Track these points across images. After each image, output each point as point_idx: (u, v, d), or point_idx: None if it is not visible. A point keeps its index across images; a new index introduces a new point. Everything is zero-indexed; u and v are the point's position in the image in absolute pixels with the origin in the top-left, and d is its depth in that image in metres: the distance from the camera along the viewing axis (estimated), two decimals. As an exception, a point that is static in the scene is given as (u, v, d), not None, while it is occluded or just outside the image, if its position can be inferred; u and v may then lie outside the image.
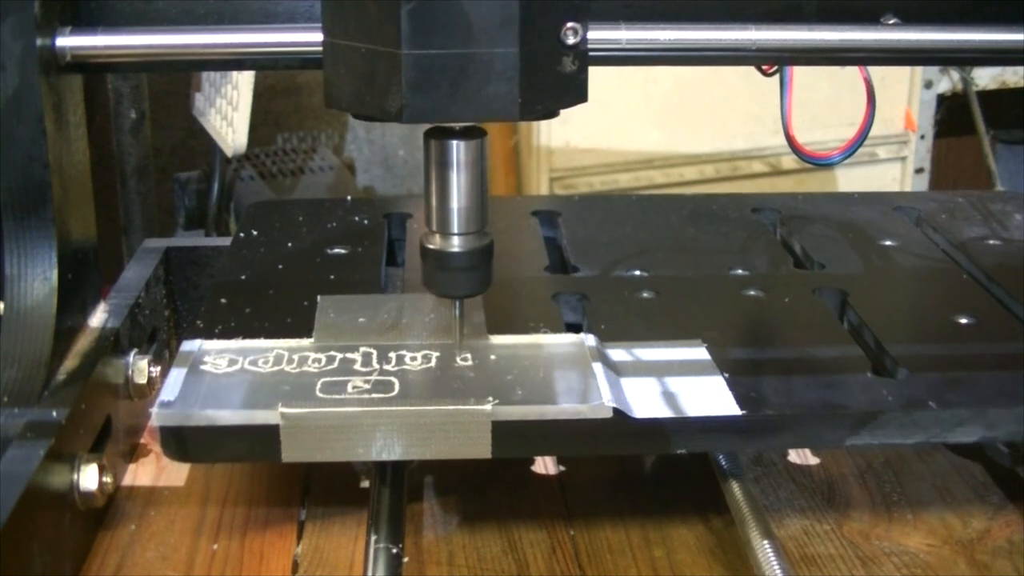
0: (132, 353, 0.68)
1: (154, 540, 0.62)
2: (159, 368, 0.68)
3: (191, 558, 0.61)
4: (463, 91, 0.52)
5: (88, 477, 0.58)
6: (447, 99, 0.52)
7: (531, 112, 0.53)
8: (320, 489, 0.67)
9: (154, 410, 0.56)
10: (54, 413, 0.57)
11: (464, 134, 0.56)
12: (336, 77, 0.54)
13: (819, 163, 0.70)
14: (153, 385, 0.68)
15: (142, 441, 0.71)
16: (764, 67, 0.68)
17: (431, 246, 0.58)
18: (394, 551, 0.56)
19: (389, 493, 0.60)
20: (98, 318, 0.68)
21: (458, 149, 0.56)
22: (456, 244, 0.58)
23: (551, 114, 0.56)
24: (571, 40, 0.53)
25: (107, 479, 0.59)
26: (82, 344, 0.65)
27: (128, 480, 0.68)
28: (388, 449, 0.57)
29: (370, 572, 0.55)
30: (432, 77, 0.51)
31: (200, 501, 0.65)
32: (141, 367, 0.67)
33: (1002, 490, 0.67)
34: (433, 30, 0.51)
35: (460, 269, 0.58)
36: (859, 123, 0.67)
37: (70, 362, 0.63)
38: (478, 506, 0.65)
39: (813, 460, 0.70)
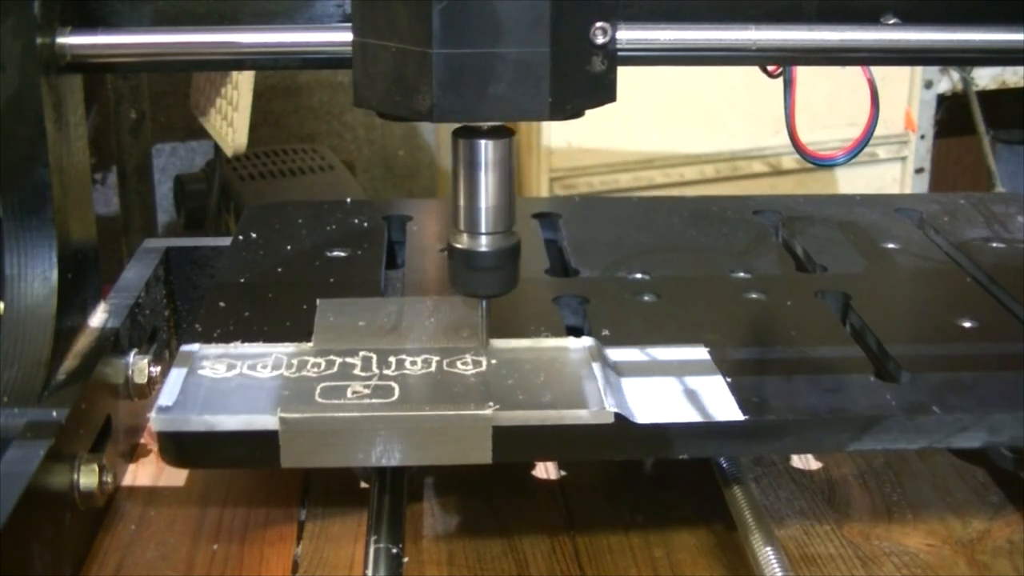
0: (132, 353, 0.68)
1: (154, 540, 0.62)
2: (159, 368, 0.68)
3: (191, 558, 0.61)
4: (493, 91, 0.52)
5: (88, 477, 0.58)
6: (477, 98, 0.52)
7: (560, 112, 0.53)
8: (320, 489, 0.67)
9: (152, 415, 0.56)
10: (54, 413, 0.57)
11: (492, 133, 0.56)
12: (365, 76, 0.54)
13: (823, 164, 0.70)
14: (153, 385, 0.67)
15: (142, 441, 0.71)
16: (770, 69, 0.68)
17: (458, 245, 0.58)
18: (394, 551, 0.56)
19: (389, 494, 0.60)
20: (98, 318, 0.68)
21: (486, 148, 0.56)
22: (484, 243, 0.58)
23: (578, 114, 0.56)
24: (600, 40, 0.53)
25: (107, 479, 0.59)
26: (82, 344, 0.65)
27: (128, 480, 0.67)
28: (388, 454, 0.56)
29: (370, 572, 0.55)
30: (462, 76, 0.51)
31: (200, 501, 0.65)
32: (141, 367, 0.67)
33: (1002, 490, 0.67)
34: (464, 29, 0.51)
35: (487, 269, 0.58)
36: (859, 123, 0.67)
37: (70, 362, 0.63)
38: (478, 506, 0.65)
39: (815, 464, 0.70)
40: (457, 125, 0.57)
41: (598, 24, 0.53)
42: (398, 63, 0.52)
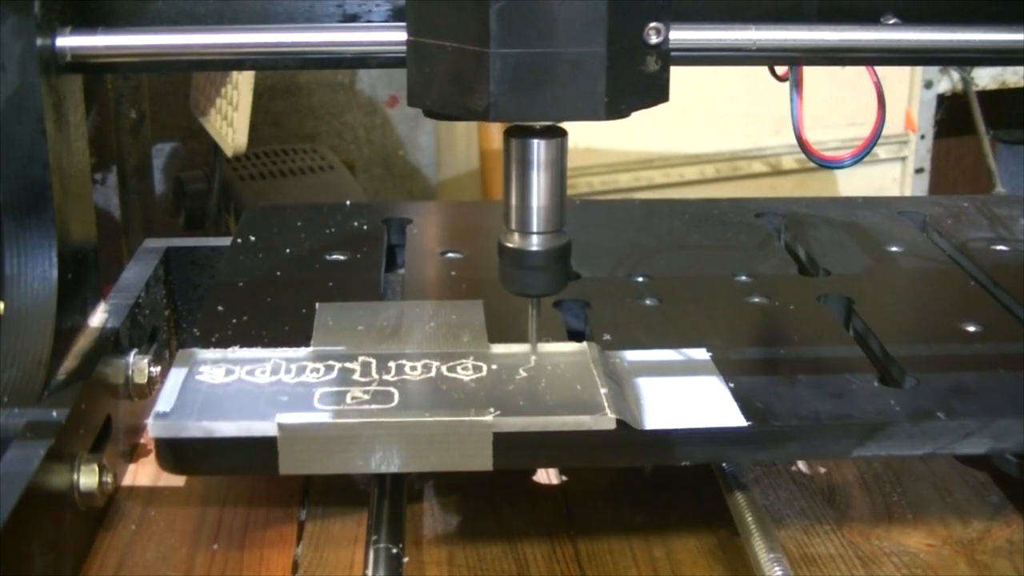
0: (132, 353, 0.68)
1: (154, 540, 0.62)
2: (159, 368, 0.68)
3: (191, 558, 0.61)
4: (549, 90, 0.52)
5: (88, 477, 0.58)
6: (534, 98, 0.52)
7: (616, 112, 0.53)
8: (320, 489, 0.66)
9: (149, 421, 0.55)
10: (54, 413, 0.57)
11: (545, 133, 0.56)
12: (420, 76, 0.54)
13: (830, 166, 0.69)
14: (153, 385, 0.67)
15: (142, 441, 0.71)
16: (780, 74, 0.67)
17: (509, 244, 0.58)
18: (394, 551, 0.56)
19: (389, 495, 0.60)
20: (98, 318, 0.68)
21: (539, 148, 0.56)
22: (535, 243, 0.57)
23: (629, 113, 0.56)
24: (654, 40, 0.53)
25: (107, 479, 0.59)
26: (82, 344, 0.65)
27: (128, 480, 0.67)
28: (387, 461, 0.56)
29: (370, 572, 0.55)
30: (519, 76, 0.52)
31: (200, 501, 0.65)
32: (141, 367, 0.67)
33: (1002, 490, 0.67)
34: (521, 29, 0.51)
35: (538, 268, 0.58)
36: (859, 123, 0.67)
37: (70, 362, 0.63)
38: (479, 507, 0.65)
39: (820, 468, 0.69)
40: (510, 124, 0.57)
41: (652, 24, 0.53)
42: (454, 63, 0.52)
